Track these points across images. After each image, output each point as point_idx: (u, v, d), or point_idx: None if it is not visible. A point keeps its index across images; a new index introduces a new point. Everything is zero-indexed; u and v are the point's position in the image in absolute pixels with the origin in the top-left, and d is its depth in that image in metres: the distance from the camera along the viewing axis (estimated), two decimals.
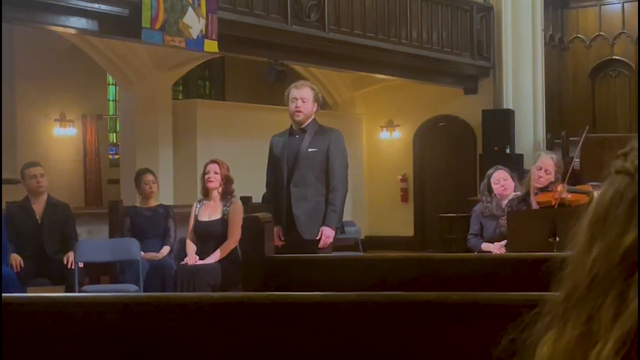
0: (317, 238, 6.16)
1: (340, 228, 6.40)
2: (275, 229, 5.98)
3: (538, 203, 6.47)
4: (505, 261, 3.48)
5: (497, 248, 6.94)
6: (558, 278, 0.93)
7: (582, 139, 8.38)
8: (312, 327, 2.21)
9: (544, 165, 6.55)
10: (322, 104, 6.78)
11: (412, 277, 3.24)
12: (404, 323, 2.17)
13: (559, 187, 6.40)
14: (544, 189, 6.49)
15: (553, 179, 6.52)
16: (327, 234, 6.16)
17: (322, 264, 3.60)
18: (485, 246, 7.10)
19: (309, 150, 6.25)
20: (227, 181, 7.47)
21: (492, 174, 7.25)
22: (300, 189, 6.24)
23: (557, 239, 5.81)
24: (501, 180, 7.14)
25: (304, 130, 6.31)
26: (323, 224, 6.17)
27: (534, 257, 3.39)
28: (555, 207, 6.27)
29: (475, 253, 7.07)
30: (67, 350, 2.27)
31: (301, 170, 6.25)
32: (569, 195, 6.39)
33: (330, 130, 6.42)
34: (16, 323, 2.30)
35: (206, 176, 7.46)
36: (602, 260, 0.87)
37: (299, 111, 6.24)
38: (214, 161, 7.56)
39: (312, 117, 6.33)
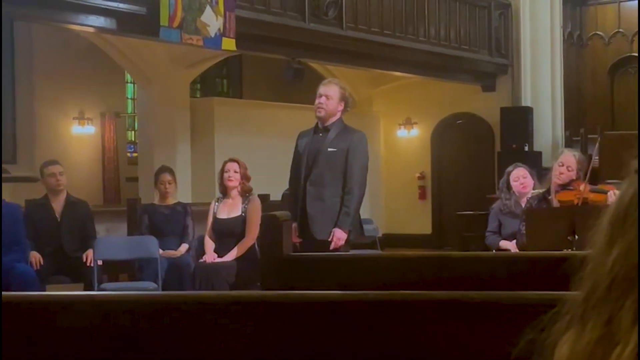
0: (329, 239, 6.11)
1: (358, 230, 6.33)
2: (293, 225, 5.97)
3: (559, 202, 6.42)
4: (523, 260, 3.47)
5: (514, 246, 6.90)
6: (577, 277, 0.93)
7: (598, 143, 8.33)
8: (330, 326, 2.21)
9: (565, 162, 6.48)
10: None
11: (430, 276, 3.24)
12: (422, 322, 2.16)
13: (582, 186, 6.35)
14: (565, 187, 6.44)
15: (574, 177, 6.47)
16: (339, 236, 6.09)
17: (340, 262, 3.61)
18: (503, 244, 7.07)
19: (329, 149, 6.18)
20: (245, 179, 7.49)
21: (512, 171, 7.21)
22: (316, 188, 6.18)
23: (576, 237, 5.78)
24: (520, 178, 7.11)
25: (327, 129, 6.23)
26: (335, 225, 6.12)
27: (553, 255, 3.38)
28: (578, 205, 6.23)
29: (494, 251, 7.05)
30: (85, 349, 2.29)
31: (319, 169, 6.18)
32: (590, 195, 6.34)
33: (353, 132, 6.32)
34: (33, 321, 2.31)
35: (226, 174, 7.47)
36: (622, 261, 0.86)
37: (321, 107, 6.17)
38: (233, 160, 7.56)
39: (338, 116, 6.23)
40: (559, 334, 0.91)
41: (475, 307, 2.15)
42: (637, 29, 16.48)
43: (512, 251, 6.85)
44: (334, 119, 6.22)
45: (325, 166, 6.18)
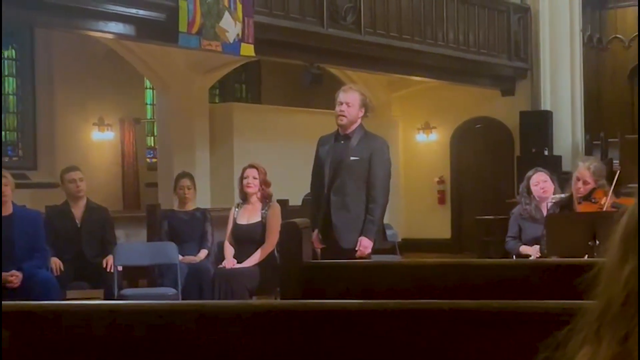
0: (356, 248, 6.09)
1: (381, 236, 6.31)
2: (315, 232, 5.96)
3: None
4: (544, 267, 3.45)
5: (535, 251, 6.86)
6: (595, 289, 0.92)
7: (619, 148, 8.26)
8: (350, 335, 2.21)
9: (580, 176, 6.46)
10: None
11: (451, 284, 3.22)
12: (443, 331, 2.15)
13: (603, 199, 6.31)
14: (586, 198, 6.41)
15: (594, 186, 6.43)
16: (365, 245, 6.08)
17: (359, 270, 3.60)
18: (523, 249, 7.03)
19: (352, 159, 6.13)
20: (265, 185, 7.48)
21: (532, 175, 7.17)
22: (340, 197, 6.15)
23: (597, 242, 5.74)
24: (541, 182, 7.07)
25: (348, 137, 6.18)
26: (361, 234, 6.10)
27: (574, 262, 3.36)
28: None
29: (514, 256, 7.02)
30: (105, 358, 2.29)
31: (342, 178, 6.14)
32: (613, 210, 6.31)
33: (375, 139, 6.28)
34: (54, 331, 2.32)
35: (245, 181, 7.47)
36: (635, 277, 0.85)
37: (343, 115, 6.12)
38: (252, 166, 7.55)
39: (358, 122, 6.19)
40: (574, 351, 0.90)
41: (497, 316, 2.14)
42: None
43: (533, 257, 6.82)
44: (355, 126, 6.19)
45: (348, 175, 6.14)
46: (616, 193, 6.74)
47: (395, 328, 2.18)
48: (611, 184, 6.47)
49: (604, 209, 6.24)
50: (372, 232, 6.11)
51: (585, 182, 6.42)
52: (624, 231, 0.88)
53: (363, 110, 6.19)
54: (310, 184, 6.47)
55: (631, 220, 0.88)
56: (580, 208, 6.42)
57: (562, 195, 6.76)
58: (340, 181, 6.15)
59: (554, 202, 6.75)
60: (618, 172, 6.74)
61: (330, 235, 6.14)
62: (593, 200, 6.37)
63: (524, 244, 7.06)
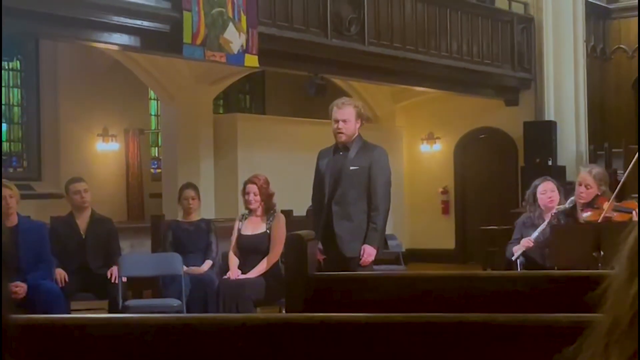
0: (360, 256, 6.11)
1: (383, 245, 6.36)
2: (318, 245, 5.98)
3: (584, 221, 6.41)
4: (550, 279, 3.45)
5: (525, 241, 6.88)
6: (602, 304, 0.91)
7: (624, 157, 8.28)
8: (356, 348, 2.21)
9: (582, 181, 6.49)
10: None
11: (457, 295, 3.22)
12: (449, 345, 2.15)
13: (605, 204, 6.32)
14: (589, 205, 6.42)
15: (597, 192, 6.44)
16: (369, 253, 6.12)
17: (365, 282, 3.60)
18: (515, 248, 7.03)
19: (351, 168, 6.19)
20: (267, 198, 7.49)
21: (539, 184, 7.17)
22: (342, 207, 6.19)
23: (602, 253, 5.74)
24: (548, 192, 7.05)
25: (347, 148, 6.24)
26: (364, 242, 6.13)
27: (580, 274, 3.36)
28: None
29: (513, 258, 6.99)
30: None
31: (343, 188, 6.20)
32: (615, 214, 6.32)
33: (373, 148, 6.33)
34: (59, 343, 2.32)
35: (246, 197, 7.50)
36: None
37: (341, 133, 6.19)
38: (252, 182, 7.52)
39: (356, 134, 6.26)
40: None
41: (503, 329, 2.14)
42: None
43: (523, 246, 6.81)
44: (354, 137, 6.26)
45: (349, 185, 6.19)
46: (619, 200, 6.74)
47: (401, 341, 2.18)
48: (614, 192, 6.48)
49: (605, 214, 6.25)
50: (375, 239, 6.15)
51: (587, 187, 6.43)
52: (632, 249, 0.88)
53: (359, 121, 6.25)
54: (311, 196, 6.52)
55: (638, 240, 0.88)
56: (584, 215, 6.42)
57: (566, 205, 6.75)
58: (341, 191, 6.20)
59: (558, 211, 6.75)
60: (623, 178, 6.74)
61: (332, 245, 6.16)
62: (596, 207, 6.37)
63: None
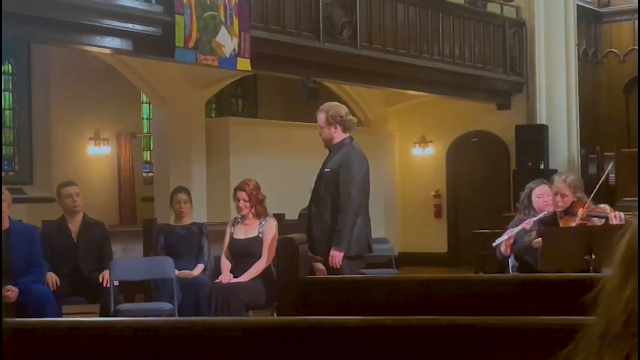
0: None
1: (360, 247, 6.26)
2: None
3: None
4: (542, 282, 3.45)
5: (507, 233, 6.91)
6: (595, 307, 0.91)
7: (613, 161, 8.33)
8: (347, 351, 2.21)
9: (557, 190, 6.54)
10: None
11: (448, 298, 3.22)
12: (440, 347, 2.15)
13: (580, 211, 6.37)
14: (567, 212, 6.47)
15: (573, 199, 6.49)
16: (332, 254, 6.11)
17: (357, 285, 3.60)
18: (498, 241, 7.05)
19: (325, 170, 6.33)
20: (258, 203, 7.48)
21: (535, 187, 7.18)
22: (318, 209, 6.31)
23: (593, 256, 5.76)
24: (545, 195, 7.05)
25: (330, 151, 6.42)
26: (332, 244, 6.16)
27: (572, 277, 3.36)
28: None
29: (500, 250, 7.00)
30: None
31: (318, 191, 6.34)
32: (590, 220, 6.38)
33: (349, 150, 6.34)
34: (50, 347, 2.32)
35: (236, 203, 7.51)
36: (636, 298, 0.85)
37: (320, 136, 6.42)
38: (241, 188, 7.49)
39: (339, 138, 6.31)
40: None
41: (495, 332, 2.14)
42: None
43: (506, 237, 6.83)
44: (335, 141, 6.36)
45: (323, 187, 6.32)
46: (611, 206, 6.76)
47: (393, 344, 2.18)
48: (589, 196, 6.52)
49: (580, 219, 6.30)
50: (340, 241, 6.12)
51: (562, 195, 6.48)
52: (625, 252, 0.89)
53: (336, 126, 6.29)
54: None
55: (632, 242, 0.88)
56: (562, 223, 6.47)
57: (546, 213, 6.76)
58: (317, 194, 6.36)
59: (537, 219, 6.75)
60: (600, 183, 6.78)
61: (312, 248, 6.15)
62: (573, 213, 6.43)
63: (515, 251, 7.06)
